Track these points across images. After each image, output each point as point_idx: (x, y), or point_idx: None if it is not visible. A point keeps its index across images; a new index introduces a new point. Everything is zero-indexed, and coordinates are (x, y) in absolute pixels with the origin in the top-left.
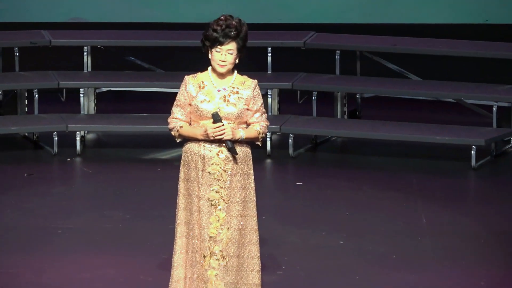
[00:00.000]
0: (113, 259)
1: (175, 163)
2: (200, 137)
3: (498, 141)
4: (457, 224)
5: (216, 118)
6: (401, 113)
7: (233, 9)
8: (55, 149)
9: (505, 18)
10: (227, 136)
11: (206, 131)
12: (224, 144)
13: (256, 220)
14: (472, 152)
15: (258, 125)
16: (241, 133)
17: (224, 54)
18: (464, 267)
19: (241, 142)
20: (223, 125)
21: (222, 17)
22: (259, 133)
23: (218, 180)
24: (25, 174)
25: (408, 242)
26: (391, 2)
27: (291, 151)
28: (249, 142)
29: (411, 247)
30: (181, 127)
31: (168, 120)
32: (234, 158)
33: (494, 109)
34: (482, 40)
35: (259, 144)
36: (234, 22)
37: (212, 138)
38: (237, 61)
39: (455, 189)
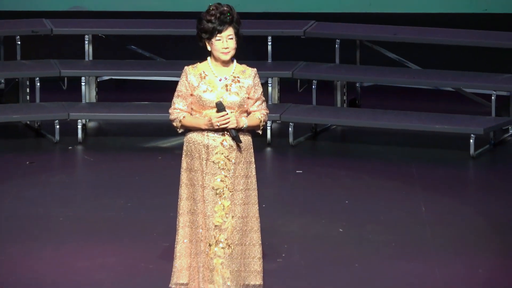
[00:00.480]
0: (113, 248)
1: (176, 151)
2: (204, 127)
3: (497, 130)
4: (456, 212)
5: (220, 107)
6: (401, 102)
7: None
8: (57, 137)
9: (504, 7)
10: (232, 125)
11: (210, 120)
12: (228, 133)
13: (258, 208)
14: (471, 140)
15: (259, 113)
16: (244, 121)
17: (225, 41)
18: (463, 255)
19: (243, 130)
20: (227, 114)
21: (212, 7)
22: (260, 121)
23: (223, 169)
24: (27, 162)
25: (408, 231)
26: None
27: (291, 139)
28: (251, 130)
29: (410, 235)
30: (183, 117)
31: (170, 111)
32: (238, 146)
33: (493, 98)
34: (481, 29)
35: (259, 132)
36: (225, 8)
37: (217, 127)
38: (236, 46)
39: (454, 178)
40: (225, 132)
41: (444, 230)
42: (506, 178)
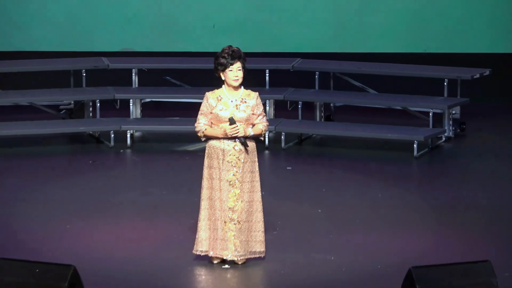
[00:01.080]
0: (153, 223)
1: (199, 153)
2: (220, 136)
3: (433, 137)
4: (403, 198)
5: (232, 121)
6: (363, 117)
7: (240, 42)
8: (112, 143)
9: (439, 48)
10: (240, 134)
11: (225, 131)
12: (238, 140)
13: (260, 194)
14: (415, 145)
15: (261, 124)
16: (250, 131)
17: (235, 71)
18: (409, 230)
19: (249, 138)
20: (237, 126)
21: (225, 48)
22: (262, 131)
23: (234, 166)
24: (90, 161)
25: (368, 211)
26: (357, 36)
27: (283, 144)
28: (255, 137)
29: (369, 215)
30: (205, 129)
31: (195, 124)
32: (246, 149)
33: (430, 114)
34: (422, 64)
35: (261, 139)
36: (235, 48)
37: (229, 136)
38: (243, 75)
39: (402, 173)
40: (236, 140)
41: (394, 211)
42: (441, 172)
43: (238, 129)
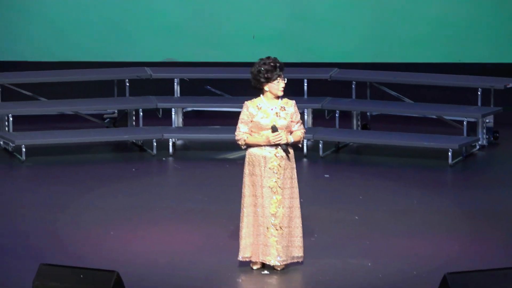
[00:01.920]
0: (195, 229)
1: (238, 161)
2: (262, 144)
3: (467, 145)
4: (439, 204)
5: (274, 129)
6: (399, 126)
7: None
8: (154, 151)
9: (473, 58)
10: (283, 141)
11: (268, 138)
12: (280, 147)
13: (299, 200)
14: (449, 153)
15: (300, 131)
16: (291, 138)
17: (282, 82)
18: (444, 235)
19: (290, 144)
20: (279, 133)
21: (266, 60)
22: (301, 137)
23: (276, 173)
24: (133, 169)
25: (404, 217)
26: (392, 47)
27: (321, 153)
28: (294, 144)
29: (406, 221)
30: (247, 137)
31: (236, 133)
32: (288, 156)
33: (464, 123)
34: (456, 74)
35: (300, 145)
36: (277, 59)
37: (273, 143)
38: None
39: (437, 180)
40: (277, 147)
41: (429, 217)
42: (474, 179)
43: (281, 136)
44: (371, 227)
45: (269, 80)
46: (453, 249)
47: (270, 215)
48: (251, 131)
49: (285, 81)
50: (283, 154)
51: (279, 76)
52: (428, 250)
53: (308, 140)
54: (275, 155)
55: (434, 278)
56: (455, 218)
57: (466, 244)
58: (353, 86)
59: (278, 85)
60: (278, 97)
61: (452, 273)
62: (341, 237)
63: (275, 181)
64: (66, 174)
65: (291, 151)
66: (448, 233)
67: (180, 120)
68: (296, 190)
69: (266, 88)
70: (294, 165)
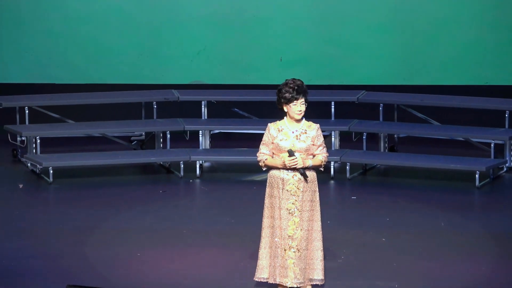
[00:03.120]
0: (222, 251)
1: (265, 183)
2: (280, 166)
3: (495, 168)
4: (466, 226)
5: (291, 153)
6: (426, 148)
7: (306, 74)
8: (182, 173)
9: (500, 81)
10: (299, 166)
11: (284, 162)
12: (297, 171)
13: (320, 223)
14: (476, 175)
15: (321, 155)
16: (309, 162)
17: (299, 106)
18: (471, 257)
19: (309, 168)
20: (296, 158)
21: (290, 81)
22: (322, 162)
23: (293, 195)
24: (160, 191)
25: (431, 240)
26: (419, 69)
27: (348, 175)
28: (315, 168)
29: (433, 243)
30: (266, 159)
31: (257, 154)
32: (305, 180)
33: (492, 145)
34: (483, 96)
35: (321, 169)
36: (299, 82)
37: (288, 167)
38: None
39: (464, 202)
40: (294, 170)
41: (457, 239)
42: (502, 202)
43: (296, 161)
44: (398, 249)
45: (287, 101)
46: (480, 272)
47: (288, 237)
48: (273, 153)
49: (305, 105)
50: (301, 176)
51: (296, 99)
52: (455, 273)
53: (335, 162)
54: (292, 177)
55: None
56: (482, 241)
57: (493, 267)
58: (380, 108)
59: (295, 108)
60: (300, 120)
61: None
62: (368, 259)
63: (293, 203)
64: (93, 196)
65: (312, 174)
66: (475, 256)
67: (207, 142)
68: (317, 213)
69: (285, 109)
70: (316, 188)
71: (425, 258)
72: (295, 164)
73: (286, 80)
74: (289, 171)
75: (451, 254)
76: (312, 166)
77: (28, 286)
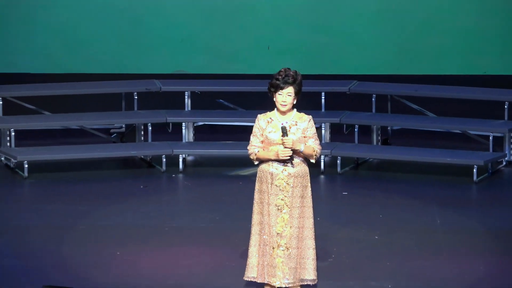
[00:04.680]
0: (205, 249)
1: (252, 178)
2: (272, 158)
3: (493, 162)
4: (463, 223)
5: (284, 130)
6: (421, 141)
7: (295, 64)
8: (164, 167)
9: (500, 70)
10: (287, 145)
11: (277, 153)
12: (288, 164)
13: (312, 221)
14: (474, 170)
15: (314, 146)
16: (301, 146)
17: (285, 96)
18: (468, 256)
19: (300, 162)
20: (288, 139)
21: (282, 70)
22: (314, 150)
23: (283, 190)
24: (141, 186)
25: (426, 237)
26: (413, 58)
27: (339, 169)
28: (306, 157)
29: (428, 241)
30: (258, 151)
31: (248, 147)
32: (292, 164)
33: (490, 138)
34: (481, 87)
35: (313, 161)
36: (291, 72)
37: (281, 158)
38: (295, 101)
39: (461, 197)
40: (286, 163)
41: (454, 236)
42: (501, 197)
43: (290, 144)
44: (392, 248)
45: (274, 90)
46: (478, 271)
47: (276, 235)
48: (264, 145)
49: (293, 97)
50: (291, 171)
51: (281, 88)
52: (452, 272)
53: (325, 156)
54: (281, 172)
55: None
56: (480, 238)
57: (492, 266)
58: (373, 99)
59: (279, 98)
60: (290, 111)
61: None
62: (360, 258)
63: (282, 199)
64: (70, 191)
65: (304, 169)
66: (473, 254)
67: (191, 135)
68: (309, 209)
69: (274, 99)
70: (308, 184)
71: (420, 257)
72: (289, 155)
73: (281, 68)
74: (279, 165)
75: (447, 252)
76: (303, 153)
77: (1, 287)
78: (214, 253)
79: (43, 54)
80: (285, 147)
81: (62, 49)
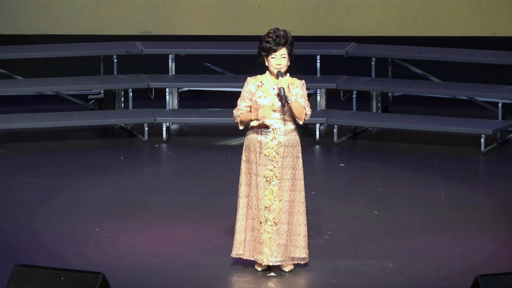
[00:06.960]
0: (192, 226)
1: (241, 148)
2: (253, 118)
3: (503, 131)
4: (470, 197)
5: (279, 74)
6: (425, 109)
7: (288, 24)
8: (146, 137)
9: (508, 31)
10: (280, 85)
11: (257, 114)
12: (279, 90)
13: (304, 194)
14: (482, 139)
15: (305, 106)
16: (293, 97)
17: (279, 59)
18: (476, 232)
19: (291, 130)
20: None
21: (271, 30)
22: (305, 109)
23: (272, 161)
24: (122, 157)
25: (430, 213)
26: (417, 18)
27: (335, 139)
28: (299, 129)
29: (432, 216)
30: (241, 113)
31: (233, 111)
32: (286, 102)
33: (499, 105)
34: (490, 49)
35: (301, 123)
36: (281, 32)
37: (260, 118)
38: (289, 63)
39: (468, 170)
40: (275, 132)
41: (460, 212)
42: (510, 169)
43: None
44: (393, 224)
45: (266, 54)
46: (485, 249)
47: (264, 208)
48: (251, 109)
49: (287, 58)
50: (281, 139)
51: (274, 51)
52: (457, 250)
53: (321, 124)
54: (271, 140)
55: (464, 281)
56: (488, 214)
57: (500, 243)
58: (372, 63)
59: (273, 62)
60: (277, 76)
61: (485, 275)
62: (359, 235)
63: (271, 170)
64: (45, 163)
65: (295, 138)
66: (480, 231)
67: (175, 101)
68: (301, 182)
69: (266, 62)
70: (299, 154)
71: (423, 234)
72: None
73: (270, 29)
74: (268, 133)
75: (453, 230)
76: (293, 108)
77: None
78: (200, 229)
79: (14, 14)
80: (280, 88)
81: (35, 8)
